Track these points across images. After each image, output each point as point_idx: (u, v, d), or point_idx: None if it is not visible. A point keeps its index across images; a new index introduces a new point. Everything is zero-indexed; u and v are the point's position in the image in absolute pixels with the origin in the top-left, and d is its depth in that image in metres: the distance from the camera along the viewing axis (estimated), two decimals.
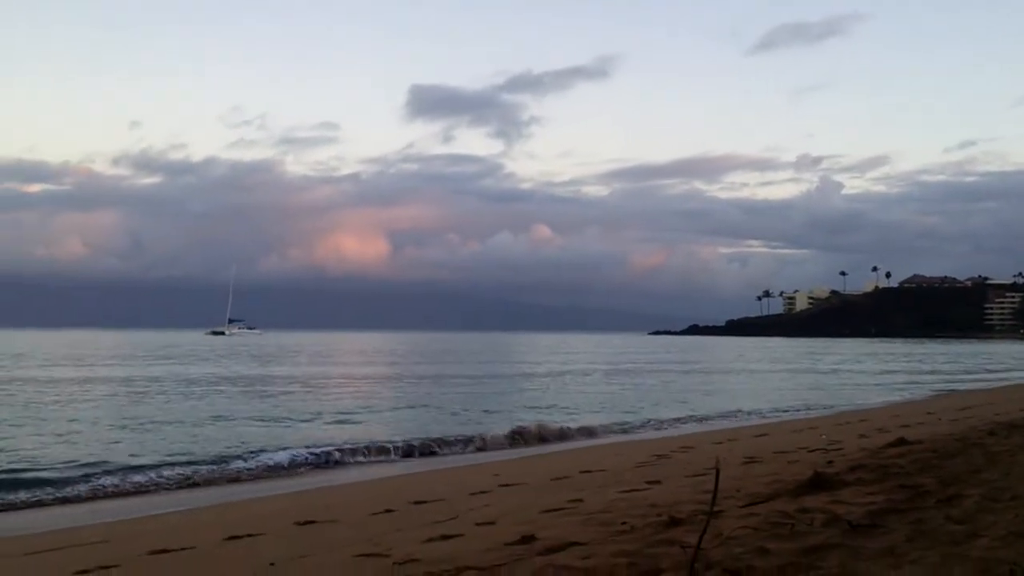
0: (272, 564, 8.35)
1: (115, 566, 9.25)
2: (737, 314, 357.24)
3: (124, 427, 28.22)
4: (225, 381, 52.65)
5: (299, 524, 11.61)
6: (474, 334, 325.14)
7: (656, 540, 7.25)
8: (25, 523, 15.08)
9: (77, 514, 15.85)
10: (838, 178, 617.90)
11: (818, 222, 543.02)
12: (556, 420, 31.05)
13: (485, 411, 35.09)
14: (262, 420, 31.19)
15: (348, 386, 50.54)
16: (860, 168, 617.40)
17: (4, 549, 12.48)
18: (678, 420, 32.64)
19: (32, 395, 40.70)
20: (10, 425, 28.46)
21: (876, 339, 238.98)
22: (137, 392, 42.96)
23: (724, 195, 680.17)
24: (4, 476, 18.56)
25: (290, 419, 31.59)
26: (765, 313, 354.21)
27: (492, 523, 9.71)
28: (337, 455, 22.43)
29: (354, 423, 30.44)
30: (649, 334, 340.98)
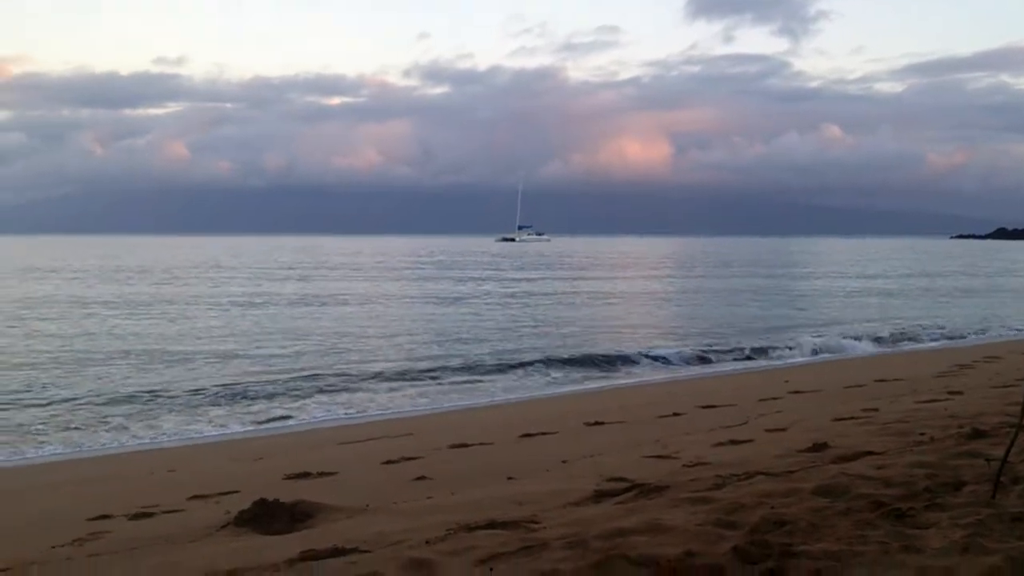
0: (564, 462, 8.62)
1: (418, 458, 9.83)
2: None
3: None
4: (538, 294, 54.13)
5: (588, 424, 11.92)
6: (761, 239, 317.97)
7: (957, 452, 6.96)
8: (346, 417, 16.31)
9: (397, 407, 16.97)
10: None
11: None
12: (848, 331, 29.93)
13: (782, 325, 34.27)
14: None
15: (656, 298, 50.53)
16: None
17: (321, 438, 13.57)
18: (981, 330, 30.78)
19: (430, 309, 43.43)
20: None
21: None
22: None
23: None
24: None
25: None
26: None
27: (783, 430, 9.62)
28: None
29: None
30: (951, 238, 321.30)
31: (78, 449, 13.81)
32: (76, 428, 15.14)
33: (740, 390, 16.17)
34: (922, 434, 8.14)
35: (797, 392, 14.42)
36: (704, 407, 13.04)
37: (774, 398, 13.72)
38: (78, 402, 17.22)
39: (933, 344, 26.93)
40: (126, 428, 15.17)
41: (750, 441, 8.92)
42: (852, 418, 10.06)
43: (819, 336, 27.05)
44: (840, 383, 15.37)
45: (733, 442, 8.90)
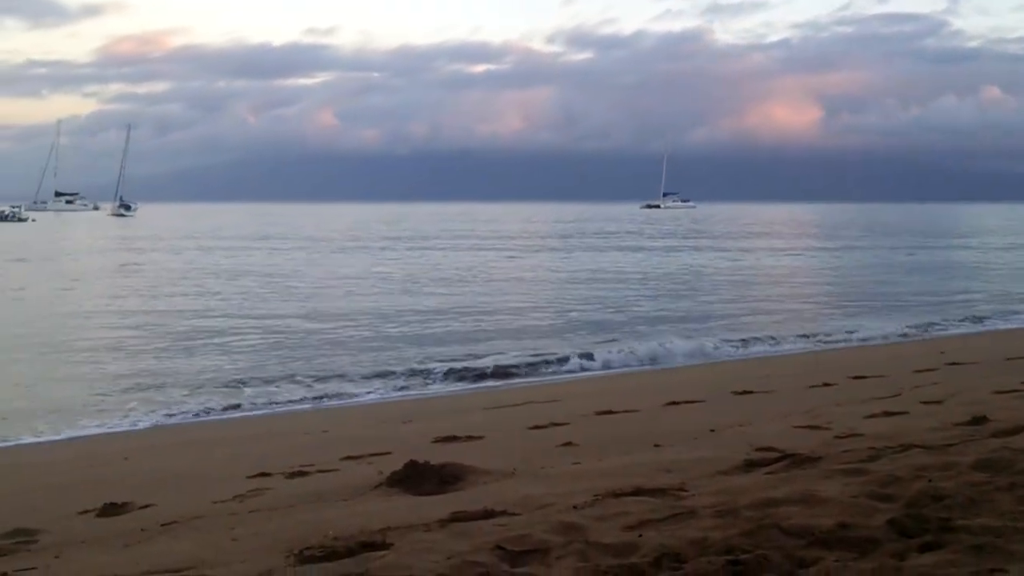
0: (712, 430, 8.56)
1: (565, 424, 9.89)
2: None
3: None
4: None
5: (736, 393, 11.78)
6: (917, 205, 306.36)
7: None
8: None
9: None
10: None
11: None
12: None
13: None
14: None
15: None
16: None
17: (467, 403, 13.82)
18: None
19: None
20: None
21: None
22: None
23: None
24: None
25: None
26: None
27: (939, 402, 9.32)
28: None
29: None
30: None
31: (240, 409, 14.42)
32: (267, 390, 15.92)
33: (893, 361, 15.76)
34: None
35: (954, 363, 13.95)
36: (855, 378, 12.74)
37: (929, 369, 13.30)
38: (259, 368, 18.07)
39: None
40: (286, 391, 15.73)
41: (904, 413, 8.68)
42: (1013, 391, 9.68)
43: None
44: (1001, 355, 14.82)
45: (887, 414, 8.67)
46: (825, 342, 21.03)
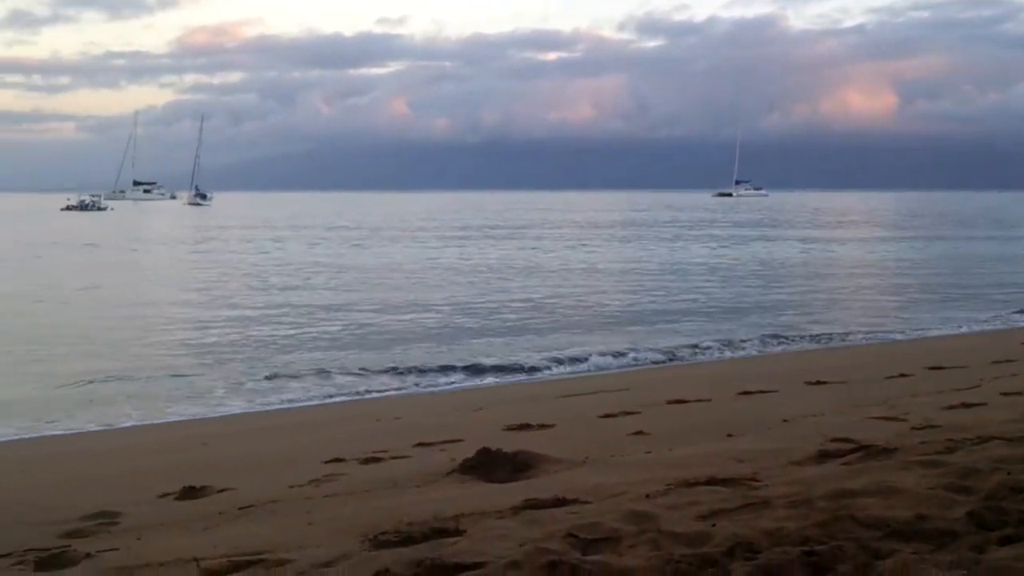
0: (785, 420, 8.48)
1: (636, 412, 9.86)
2: None
3: None
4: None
5: (809, 384, 11.66)
6: (997, 193, 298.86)
7: None
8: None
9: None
10: None
11: None
12: None
13: None
14: None
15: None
16: None
17: (537, 392, 13.84)
18: None
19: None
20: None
21: None
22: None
23: None
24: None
25: None
26: None
27: (1019, 393, 9.13)
28: None
29: None
30: None
31: (314, 397, 14.61)
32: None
33: (971, 352, 15.47)
34: None
35: None
36: (932, 368, 12.52)
37: (1009, 360, 13.02)
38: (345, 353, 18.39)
39: None
40: (359, 380, 15.90)
41: (983, 404, 8.52)
42: None
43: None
44: None
45: (965, 405, 8.52)
46: (901, 332, 20.69)
